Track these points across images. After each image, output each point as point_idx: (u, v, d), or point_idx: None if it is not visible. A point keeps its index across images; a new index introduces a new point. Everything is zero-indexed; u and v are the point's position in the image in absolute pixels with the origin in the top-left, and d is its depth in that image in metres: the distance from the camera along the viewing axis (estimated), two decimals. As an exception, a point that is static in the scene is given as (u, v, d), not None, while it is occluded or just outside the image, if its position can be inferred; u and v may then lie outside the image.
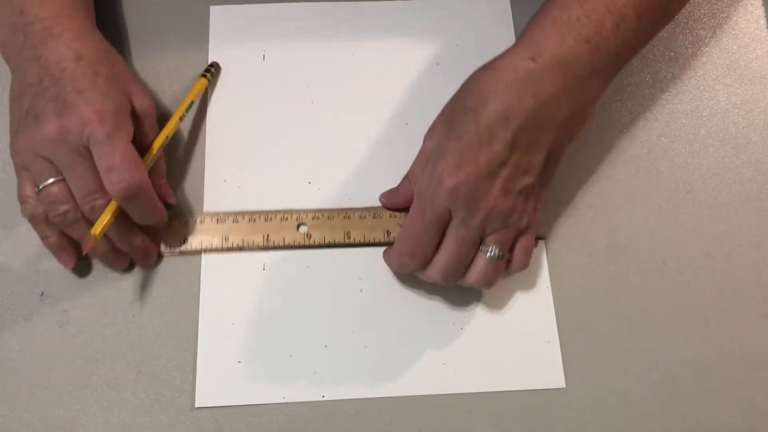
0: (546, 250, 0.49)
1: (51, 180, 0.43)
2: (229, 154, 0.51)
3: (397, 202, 0.48)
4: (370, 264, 0.48)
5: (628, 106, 0.53)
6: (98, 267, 0.48)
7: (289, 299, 0.47)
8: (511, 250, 0.44)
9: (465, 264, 0.43)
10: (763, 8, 0.56)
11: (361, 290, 0.48)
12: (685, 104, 0.53)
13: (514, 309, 0.47)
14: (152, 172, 0.46)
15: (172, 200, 0.48)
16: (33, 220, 0.45)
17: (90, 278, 0.48)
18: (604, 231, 0.49)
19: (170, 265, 0.48)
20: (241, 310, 0.47)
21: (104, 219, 0.43)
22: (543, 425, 0.45)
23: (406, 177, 0.47)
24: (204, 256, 0.48)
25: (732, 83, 0.54)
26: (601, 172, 0.51)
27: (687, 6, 0.55)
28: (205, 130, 0.51)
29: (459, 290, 0.47)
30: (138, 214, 0.44)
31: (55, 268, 0.48)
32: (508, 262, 0.45)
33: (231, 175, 0.50)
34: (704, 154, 0.52)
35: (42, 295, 0.48)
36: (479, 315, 0.47)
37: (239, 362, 0.46)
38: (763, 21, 0.56)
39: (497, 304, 0.47)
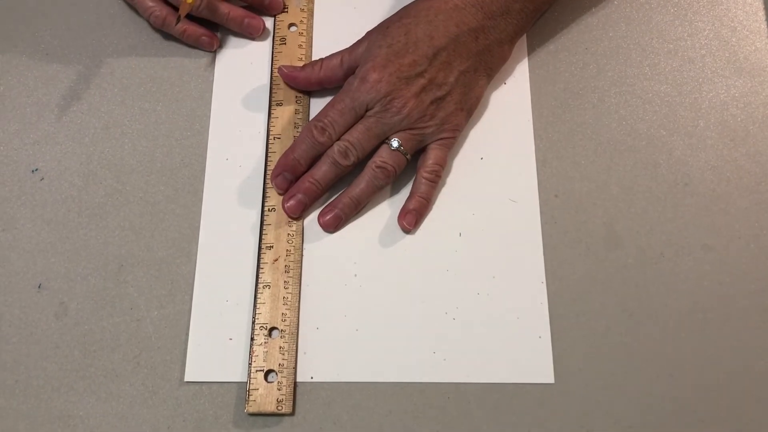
0: (543, 243, 0.49)
1: None
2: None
3: (297, 78, 0.51)
4: (366, 248, 0.48)
5: (627, 98, 0.53)
6: (96, 258, 0.48)
7: None
8: (415, 155, 0.49)
9: (365, 148, 0.48)
10: (762, 0, 0.56)
11: (355, 275, 0.48)
12: (684, 96, 0.53)
13: (507, 302, 0.47)
14: None
15: None
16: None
17: (88, 270, 0.48)
18: (602, 223, 0.49)
19: (167, 254, 0.48)
20: (235, 289, 0.47)
21: None
22: (529, 419, 0.45)
23: (318, 63, 0.51)
24: (200, 244, 0.49)
25: (731, 75, 0.54)
26: (599, 163, 0.51)
27: (686, -2, 0.56)
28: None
29: (454, 280, 0.47)
30: None
31: (53, 260, 0.48)
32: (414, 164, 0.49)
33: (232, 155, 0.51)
34: (703, 147, 0.52)
35: (39, 286, 0.48)
36: (472, 306, 0.47)
37: (230, 339, 0.46)
38: (762, 13, 0.56)
39: (491, 297, 0.47)
